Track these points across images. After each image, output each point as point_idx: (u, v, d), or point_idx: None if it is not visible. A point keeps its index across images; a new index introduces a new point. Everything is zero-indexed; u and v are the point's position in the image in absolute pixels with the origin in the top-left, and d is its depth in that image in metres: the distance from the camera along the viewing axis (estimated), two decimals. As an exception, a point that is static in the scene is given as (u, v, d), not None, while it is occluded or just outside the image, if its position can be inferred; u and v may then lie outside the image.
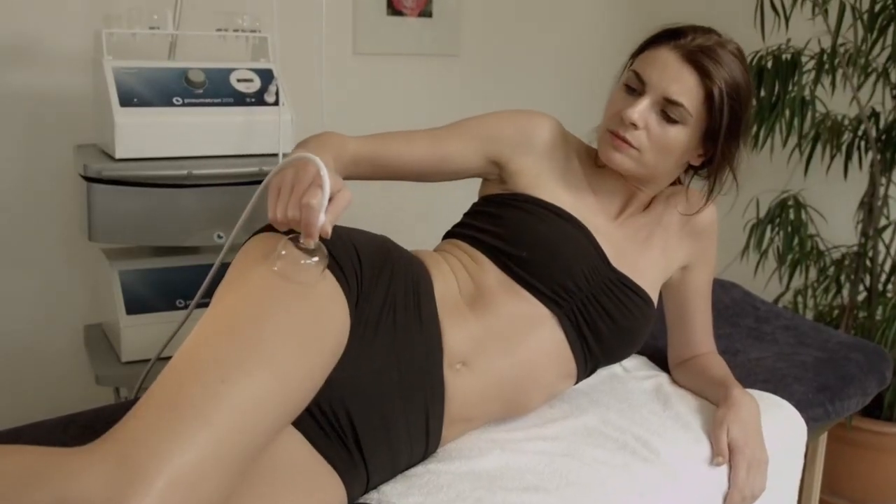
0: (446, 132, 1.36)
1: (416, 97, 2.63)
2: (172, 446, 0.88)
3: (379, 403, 1.13)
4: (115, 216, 1.65)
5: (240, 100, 1.75)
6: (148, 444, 0.88)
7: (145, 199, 1.66)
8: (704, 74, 1.22)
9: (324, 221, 0.99)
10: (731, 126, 1.25)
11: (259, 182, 1.75)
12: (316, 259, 1.04)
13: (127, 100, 1.65)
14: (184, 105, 1.69)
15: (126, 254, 1.83)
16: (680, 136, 1.25)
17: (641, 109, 1.23)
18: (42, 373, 2.14)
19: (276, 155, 1.74)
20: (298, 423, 1.08)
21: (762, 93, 2.32)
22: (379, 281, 1.18)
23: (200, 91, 1.72)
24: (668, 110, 1.23)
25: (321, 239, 1.02)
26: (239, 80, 1.77)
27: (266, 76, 1.79)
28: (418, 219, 2.49)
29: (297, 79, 2.02)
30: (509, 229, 1.28)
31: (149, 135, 1.66)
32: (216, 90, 1.74)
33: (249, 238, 1.19)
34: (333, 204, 1.01)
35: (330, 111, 2.00)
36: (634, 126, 1.24)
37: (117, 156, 1.63)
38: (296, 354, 1.02)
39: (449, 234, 1.38)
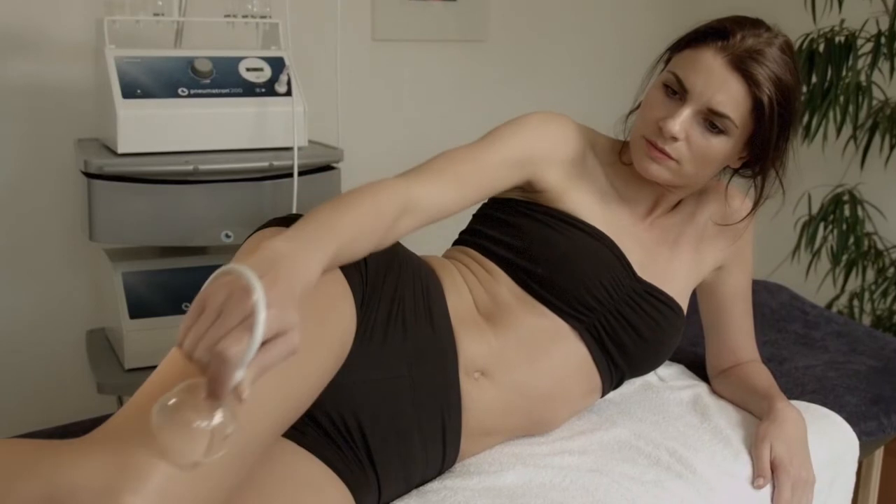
0: (492, 166, 1.26)
1: (440, 86, 2.64)
2: None
3: (390, 412, 1.14)
4: (117, 214, 1.67)
5: (249, 90, 1.76)
6: (144, 436, 0.88)
7: (149, 197, 1.68)
8: (753, 83, 1.19)
9: (241, 379, 0.81)
10: (780, 132, 1.24)
11: (270, 178, 1.78)
12: (217, 422, 0.81)
13: (130, 91, 1.67)
14: (190, 96, 1.71)
15: (129, 254, 1.86)
16: (723, 147, 1.24)
17: (683, 121, 1.21)
18: (41, 380, 2.18)
19: (289, 149, 1.76)
20: (307, 434, 1.09)
21: (813, 79, 2.30)
22: (385, 282, 1.19)
23: (207, 81, 1.74)
24: (711, 120, 1.21)
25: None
26: (248, 70, 1.78)
27: (277, 65, 1.80)
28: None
29: (310, 68, 2.04)
30: (525, 242, 1.28)
31: (153, 128, 1.68)
32: (224, 80, 1.75)
33: (252, 234, 1.20)
34: (266, 352, 0.82)
35: (347, 102, 2.01)
36: (674, 139, 1.23)
37: (119, 150, 1.66)
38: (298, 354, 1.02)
39: (459, 242, 1.38)
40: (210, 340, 0.81)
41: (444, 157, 1.24)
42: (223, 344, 0.80)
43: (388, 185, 1.14)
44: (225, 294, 0.83)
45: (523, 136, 1.30)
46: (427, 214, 1.18)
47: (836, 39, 2.28)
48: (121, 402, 1.88)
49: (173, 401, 0.81)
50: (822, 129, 2.32)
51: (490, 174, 1.26)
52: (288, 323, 0.84)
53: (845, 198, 2.39)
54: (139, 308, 1.78)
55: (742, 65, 1.19)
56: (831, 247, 2.42)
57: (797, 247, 2.45)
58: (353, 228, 1.05)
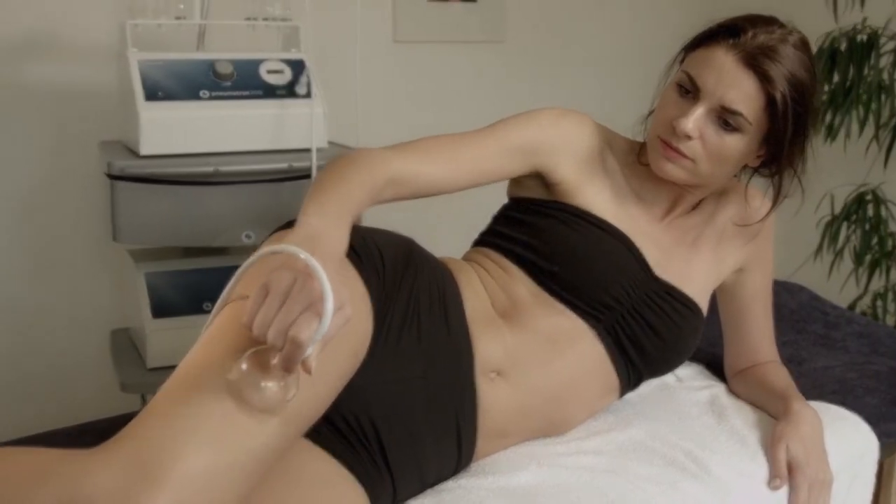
0: (491, 149, 1.30)
1: (460, 87, 2.64)
2: (187, 444, 0.90)
3: (405, 413, 1.15)
4: (140, 216, 1.69)
5: (270, 92, 1.78)
6: (161, 442, 0.90)
7: (171, 198, 1.70)
8: (765, 79, 1.19)
9: (310, 355, 0.90)
10: (796, 130, 1.24)
11: (290, 179, 1.79)
12: (283, 384, 0.93)
13: (152, 93, 1.69)
14: (211, 98, 1.73)
15: (152, 255, 1.88)
16: (738, 145, 1.23)
17: (696, 119, 1.22)
18: (66, 380, 2.20)
19: (308, 150, 1.77)
20: (321, 434, 1.10)
21: (835, 78, 2.28)
22: (402, 283, 1.20)
23: (229, 83, 1.75)
24: (725, 117, 1.21)
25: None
26: (269, 72, 1.80)
27: (297, 67, 1.82)
28: (446, 219, 2.49)
29: (331, 69, 2.05)
30: (541, 241, 1.28)
31: (175, 130, 1.70)
32: (245, 82, 1.77)
33: (270, 235, 1.22)
34: (328, 329, 0.90)
35: (367, 104, 2.02)
36: (688, 137, 1.23)
37: (142, 152, 1.68)
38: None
39: (477, 243, 1.39)
40: (281, 325, 0.89)
41: (440, 137, 1.28)
42: (295, 329, 0.88)
43: (379, 158, 1.19)
44: (289, 279, 0.91)
45: (531, 127, 1.32)
46: (410, 189, 1.23)
47: (859, 38, 2.27)
48: (144, 401, 1.91)
49: (245, 365, 0.92)
50: (844, 129, 2.30)
51: (487, 158, 1.29)
52: (343, 299, 0.93)
53: (868, 197, 2.38)
54: (162, 308, 1.80)
55: (754, 61, 1.19)
56: (854, 247, 2.40)
57: (819, 247, 2.44)
58: (358, 199, 1.12)
